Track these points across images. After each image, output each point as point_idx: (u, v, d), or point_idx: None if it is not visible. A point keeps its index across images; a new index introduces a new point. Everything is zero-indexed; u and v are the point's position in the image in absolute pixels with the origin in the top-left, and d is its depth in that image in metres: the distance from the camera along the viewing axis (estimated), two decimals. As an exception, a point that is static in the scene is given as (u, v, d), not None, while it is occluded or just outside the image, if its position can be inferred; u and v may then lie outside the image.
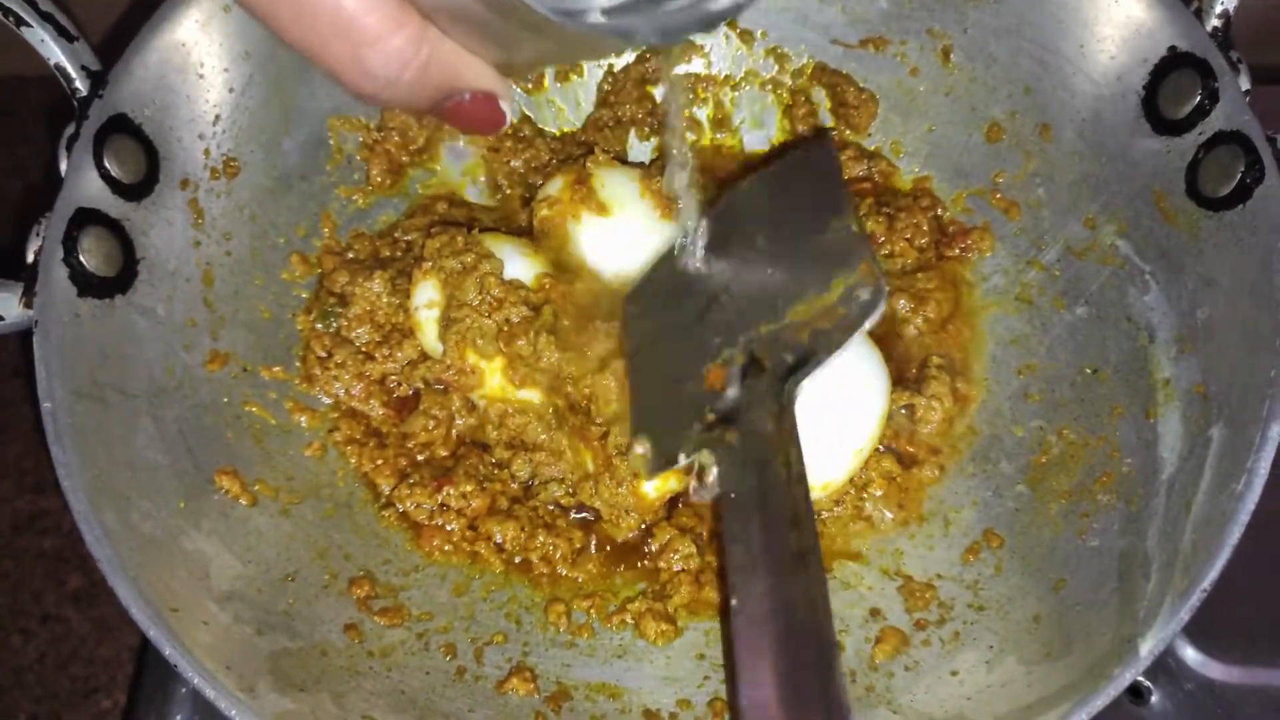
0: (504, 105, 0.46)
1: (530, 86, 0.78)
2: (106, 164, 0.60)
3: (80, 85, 0.62)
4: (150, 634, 0.52)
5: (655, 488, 0.65)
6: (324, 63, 0.41)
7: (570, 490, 0.67)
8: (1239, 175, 0.59)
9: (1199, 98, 0.62)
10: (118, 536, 0.54)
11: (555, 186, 0.71)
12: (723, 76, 0.79)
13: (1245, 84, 0.61)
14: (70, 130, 0.61)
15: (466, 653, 0.62)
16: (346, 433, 0.68)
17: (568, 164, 0.74)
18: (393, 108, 0.43)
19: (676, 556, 0.65)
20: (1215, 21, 0.63)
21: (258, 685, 0.54)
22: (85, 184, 0.60)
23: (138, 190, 0.62)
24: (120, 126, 0.61)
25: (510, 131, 0.76)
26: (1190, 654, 0.68)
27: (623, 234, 0.69)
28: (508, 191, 0.76)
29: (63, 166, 0.60)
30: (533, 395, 0.67)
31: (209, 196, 0.67)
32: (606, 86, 0.78)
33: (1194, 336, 0.61)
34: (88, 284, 0.59)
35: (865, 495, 0.67)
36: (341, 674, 0.58)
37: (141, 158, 0.63)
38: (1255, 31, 0.71)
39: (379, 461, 0.68)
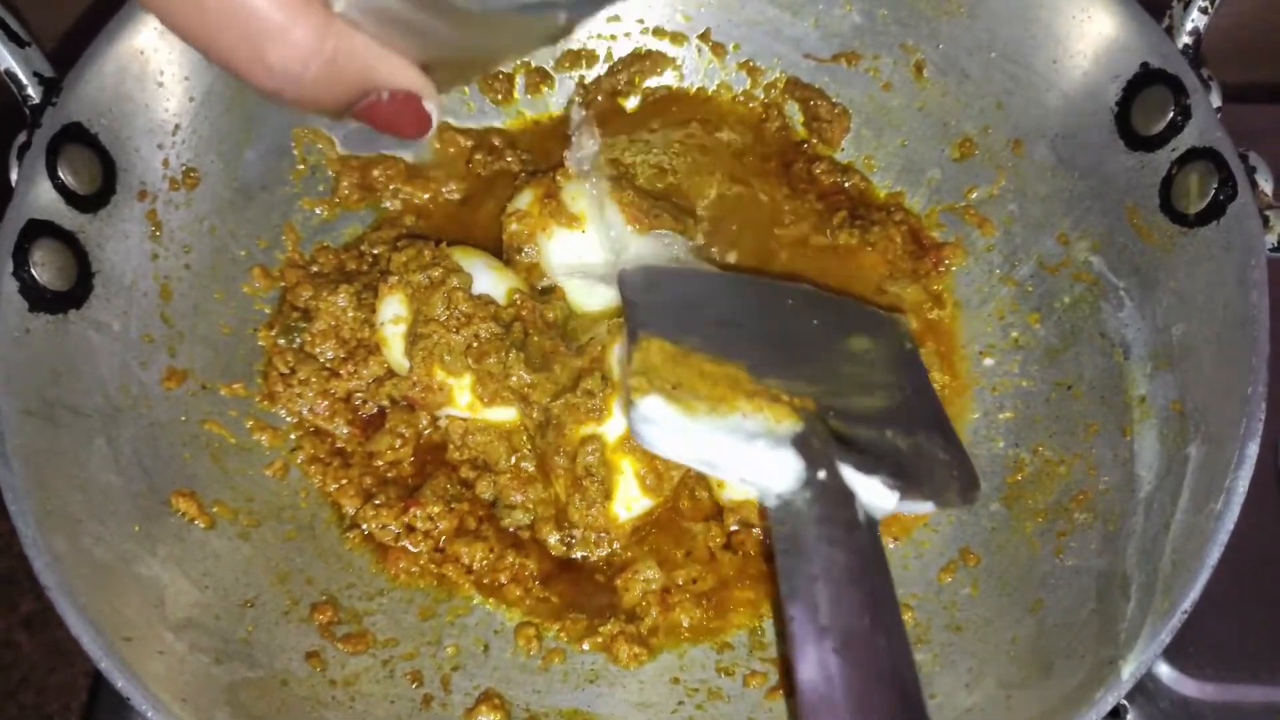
0: (428, 105, 0.43)
1: (500, 98, 0.77)
2: (60, 174, 0.59)
3: (33, 92, 0.60)
4: (101, 665, 0.50)
5: (626, 510, 0.64)
6: (219, 57, 0.38)
7: (529, 525, 0.66)
8: (1212, 192, 0.59)
9: (1171, 114, 0.62)
10: (68, 562, 0.52)
11: (525, 200, 0.70)
12: (694, 89, 0.78)
13: (1216, 101, 0.62)
14: (21, 139, 0.59)
15: (433, 680, 0.61)
16: (310, 452, 0.67)
17: (537, 176, 0.73)
18: (303, 108, 0.41)
19: (640, 578, 0.64)
20: (1186, 39, 0.63)
21: (215, 717, 0.52)
22: (37, 195, 0.58)
23: (93, 201, 0.61)
24: (75, 136, 0.60)
25: (479, 143, 0.75)
26: (1165, 672, 0.68)
27: (594, 247, 0.68)
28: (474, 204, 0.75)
29: (13, 176, 0.59)
30: (502, 413, 0.65)
31: (168, 208, 0.65)
32: (577, 98, 0.77)
33: (1169, 353, 0.61)
34: (39, 298, 0.57)
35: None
36: (303, 704, 0.56)
37: (97, 168, 0.61)
38: (1225, 49, 0.72)
39: (343, 481, 0.66)
